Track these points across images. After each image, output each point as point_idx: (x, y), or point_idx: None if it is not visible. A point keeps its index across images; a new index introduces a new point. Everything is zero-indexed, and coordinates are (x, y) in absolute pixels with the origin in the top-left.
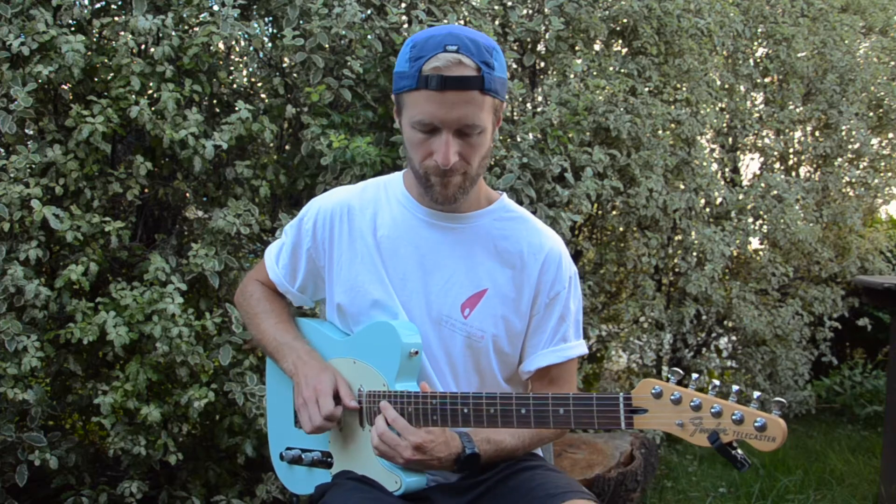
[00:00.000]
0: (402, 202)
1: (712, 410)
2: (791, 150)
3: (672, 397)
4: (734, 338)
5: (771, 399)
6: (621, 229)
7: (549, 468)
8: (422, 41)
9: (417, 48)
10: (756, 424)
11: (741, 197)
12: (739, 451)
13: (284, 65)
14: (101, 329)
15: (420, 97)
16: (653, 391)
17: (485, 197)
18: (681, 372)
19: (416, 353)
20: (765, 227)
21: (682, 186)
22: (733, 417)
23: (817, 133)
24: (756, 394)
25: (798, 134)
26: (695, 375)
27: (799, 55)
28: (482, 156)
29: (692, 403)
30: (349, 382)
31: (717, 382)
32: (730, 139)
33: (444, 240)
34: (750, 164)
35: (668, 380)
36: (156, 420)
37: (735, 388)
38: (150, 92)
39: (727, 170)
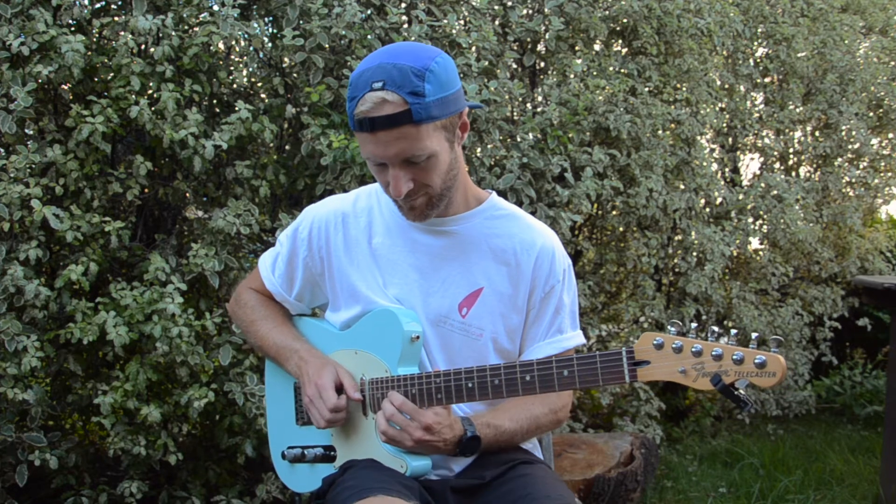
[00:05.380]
0: (395, 210)
1: (713, 354)
2: (791, 150)
3: (673, 346)
4: None
5: (769, 337)
6: (621, 229)
7: (541, 471)
8: (355, 78)
9: (352, 87)
10: (756, 362)
11: (741, 197)
12: (742, 391)
13: (284, 65)
14: (101, 329)
15: (361, 138)
16: (654, 342)
17: (473, 197)
18: (680, 323)
19: (417, 338)
20: (765, 227)
21: (682, 186)
22: (734, 358)
23: (817, 133)
24: (754, 334)
25: (798, 134)
26: (694, 325)
27: (799, 55)
28: (443, 172)
29: (693, 350)
30: (352, 373)
31: (715, 329)
32: (730, 139)
33: (438, 244)
34: (750, 164)
35: (668, 331)
36: (156, 420)
37: (733, 331)
38: (150, 92)
39: (727, 170)
